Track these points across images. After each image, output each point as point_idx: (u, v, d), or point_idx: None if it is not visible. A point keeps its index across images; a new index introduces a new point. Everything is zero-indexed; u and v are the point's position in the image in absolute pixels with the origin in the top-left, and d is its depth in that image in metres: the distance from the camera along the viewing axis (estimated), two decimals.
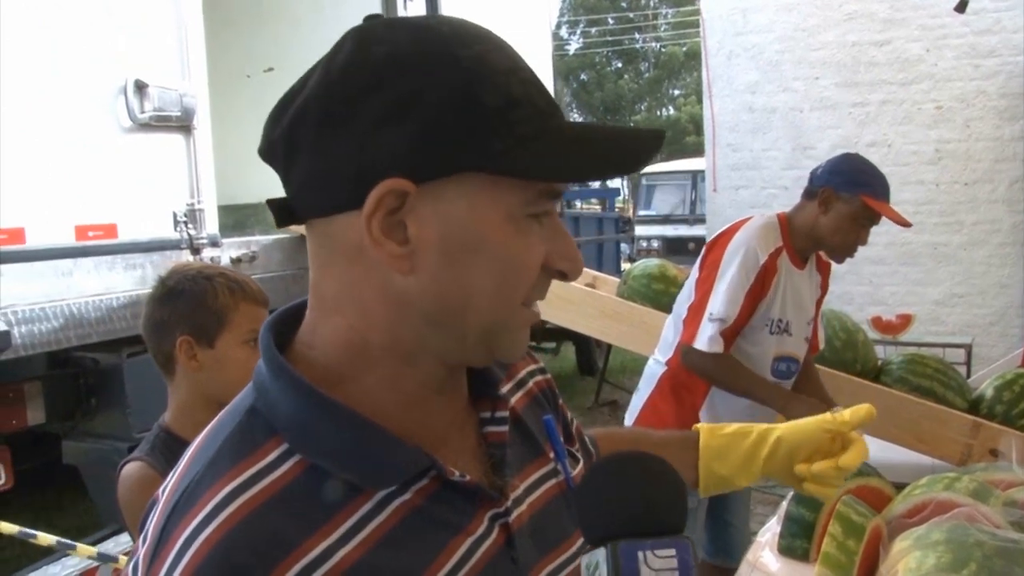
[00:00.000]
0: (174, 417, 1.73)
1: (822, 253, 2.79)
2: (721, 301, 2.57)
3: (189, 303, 1.66)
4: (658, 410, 2.82)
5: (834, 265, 2.84)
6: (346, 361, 0.73)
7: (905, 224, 2.66)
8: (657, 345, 2.96)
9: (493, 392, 0.83)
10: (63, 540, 3.11)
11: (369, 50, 0.69)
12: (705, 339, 2.56)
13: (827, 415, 1.17)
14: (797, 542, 1.97)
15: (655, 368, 2.88)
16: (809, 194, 2.68)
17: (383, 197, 0.67)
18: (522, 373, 0.94)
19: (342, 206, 0.69)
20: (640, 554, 0.65)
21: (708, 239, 2.80)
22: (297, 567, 0.64)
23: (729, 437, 1.15)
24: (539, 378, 0.97)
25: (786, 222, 2.71)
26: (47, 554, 3.33)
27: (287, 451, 0.69)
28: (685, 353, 2.64)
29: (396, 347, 0.73)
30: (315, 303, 0.75)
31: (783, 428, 1.15)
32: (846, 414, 1.16)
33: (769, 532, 2.12)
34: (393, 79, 0.68)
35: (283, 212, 0.74)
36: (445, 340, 0.73)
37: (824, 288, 2.93)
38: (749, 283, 2.58)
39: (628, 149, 0.73)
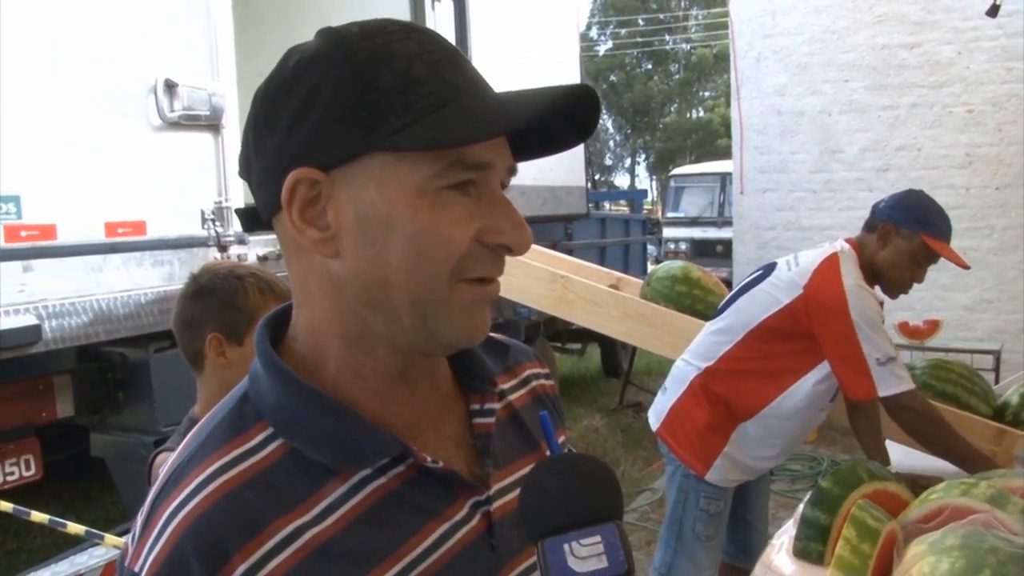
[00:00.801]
0: (203, 410, 1.76)
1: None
2: (878, 343, 2.53)
3: (219, 301, 1.70)
4: (689, 412, 2.81)
5: None
6: (314, 350, 0.78)
7: (964, 266, 2.67)
8: (689, 348, 2.95)
9: (483, 385, 0.87)
10: (92, 530, 3.17)
11: (287, 61, 0.75)
12: (893, 383, 2.53)
13: None
14: (812, 545, 1.97)
15: (686, 370, 2.87)
16: (870, 227, 2.69)
17: (294, 186, 0.73)
18: (527, 373, 0.97)
19: (276, 204, 0.74)
20: (565, 546, 0.70)
21: (803, 273, 2.68)
22: (270, 543, 0.69)
23: None
24: (544, 382, 0.99)
25: (859, 252, 2.71)
26: (75, 544, 3.39)
27: (271, 435, 0.74)
28: (891, 404, 2.58)
29: (345, 334, 0.76)
30: (294, 297, 0.81)
31: None
32: None
33: (785, 535, 2.12)
34: (299, 81, 0.73)
35: (250, 218, 0.80)
36: (384, 322, 0.75)
37: None
38: (882, 318, 2.59)
39: (522, 107, 0.72)
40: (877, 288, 2.74)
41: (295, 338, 0.80)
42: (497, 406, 0.87)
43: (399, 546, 0.74)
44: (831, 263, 2.65)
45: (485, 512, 0.80)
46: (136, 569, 0.70)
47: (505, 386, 0.92)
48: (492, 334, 0.93)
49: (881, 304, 2.67)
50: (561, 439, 0.98)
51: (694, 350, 2.92)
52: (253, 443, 0.74)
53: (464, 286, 0.74)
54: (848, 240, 2.76)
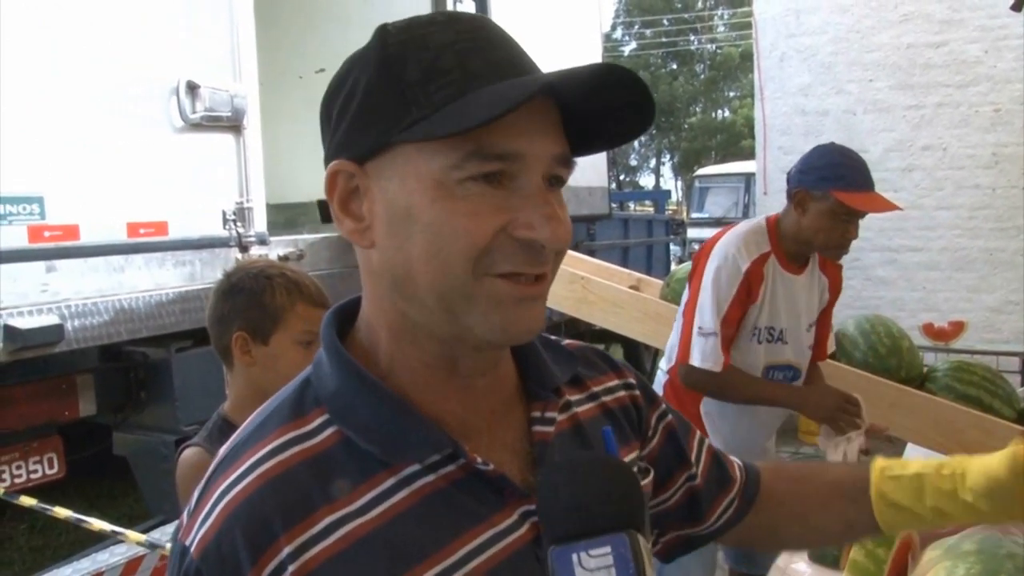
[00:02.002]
0: (232, 406, 1.79)
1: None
2: (708, 314, 2.48)
3: (247, 300, 1.72)
4: None
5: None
6: (371, 341, 0.80)
7: (889, 208, 2.48)
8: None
9: (547, 393, 0.85)
10: (115, 528, 3.21)
11: (345, 61, 0.78)
12: (698, 355, 2.50)
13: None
14: (828, 549, 1.96)
15: (660, 376, 2.85)
16: (788, 196, 2.59)
17: (333, 178, 0.76)
18: (599, 387, 0.94)
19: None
20: (574, 556, 0.67)
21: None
22: (316, 527, 0.70)
23: (907, 479, 0.98)
24: (622, 393, 0.96)
25: (775, 226, 2.60)
26: (97, 541, 3.43)
27: (327, 421, 0.76)
28: (685, 374, 2.57)
29: (390, 325, 0.78)
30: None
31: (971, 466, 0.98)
32: None
33: None
34: (346, 79, 0.76)
35: (326, 211, 0.81)
36: (419, 313, 0.75)
37: (834, 290, 2.79)
38: (732, 292, 2.49)
39: (517, 90, 0.69)
40: (813, 270, 2.67)
41: (359, 328, 0.82)
42: (558, 415, 0.85)
43: (442, 546, 0.73)
44: (718, 234, 2.63)
45: (534, 523, 0.78)
46: (187, 543, 0.72)
47: (572, 398, 0.90)
48: (570, 342, 0.93)
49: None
50: (633, 454, 0.93)
51: (665, 354, 2.88)
52: (309, 427, 0.75)
53: (495, 281, 0.72)
54: (768, 217, 2.67)
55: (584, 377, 0.93)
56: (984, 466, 0.96)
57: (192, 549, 0.70)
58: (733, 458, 1.10)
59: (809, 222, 2.51)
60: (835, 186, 2.44)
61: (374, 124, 0.73)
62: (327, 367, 0.78)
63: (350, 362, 0.77)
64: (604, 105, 0.75)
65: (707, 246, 2.63)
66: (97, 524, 3.15)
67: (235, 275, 1.78)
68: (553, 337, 0.93)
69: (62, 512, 3.14)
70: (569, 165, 0.76)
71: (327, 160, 0.77)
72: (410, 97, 0.71)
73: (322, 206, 0.80)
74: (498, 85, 0.71)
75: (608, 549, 0.67)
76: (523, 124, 0.71)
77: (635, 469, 0.92)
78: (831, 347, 2.91)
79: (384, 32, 0.75)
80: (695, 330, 2.52)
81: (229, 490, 0.71)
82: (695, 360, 2.51)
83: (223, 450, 0.78)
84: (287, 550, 0.69)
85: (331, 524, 0.70)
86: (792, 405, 2.55)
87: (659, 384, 2.85)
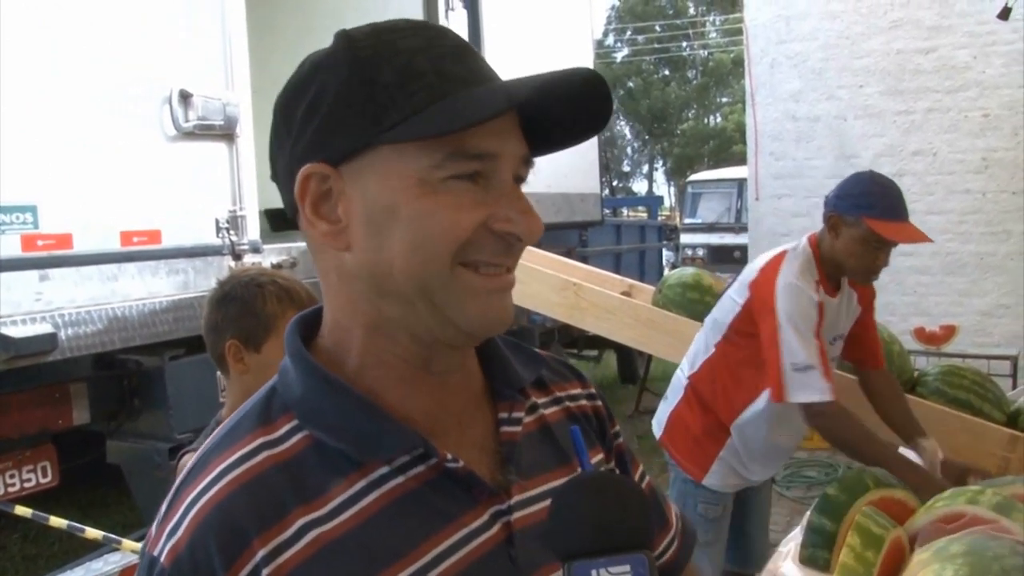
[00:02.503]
0: (229, 413, 1.80)
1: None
2: (797, 348, 2.45)
3: (239, 308, 1.73)
4: (685, 420, 2.84)
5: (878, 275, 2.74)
6: (338, 342, 0.80)
7: (920, 240, 2.53)
8: (685, 355, 2.97)
9: (513, 394, 0.87)
10: (109, 535, 3.21)
11: (302, 66, 0.79)
12: (801, 392, 2.45)
13: None
14: (819, 552, 1.97)
15: (680, 377, 2.90)
16: (824, 219, 2.63)
17: (305, 181, 0.76)
18: (563, 393, 0.96)
19: (294, 202, 0.77)
20: (593, 572, 0.68)
21: (752, 271, 2.69)
22: (287, 533, 0.70)
23: None
24: (585, 403, 0.98)
25: (816, 250, 2.64)
26: (91, 550, 3.43)
27: (296, 426, 0.76)
28: (810, 417, 2.51)
29: (365, 323, 0.78)
30: (322, 294, 0.83)
31: None
32: None
33: (792, 542, 2.12)
34: (309, 82, 0.76)
35: (277, 220, 0.81)
36: (399, 310, 0.76)
37: (864, 304, 2.84)
38: (814, 321, 2.49)
39: (509, 91, 0.74)
40: (845, 289, 2.70)
41: (323, 335, 0.82)
42: (524, 415, 0.86)
43: (414, 547, 0.74)
44: (775, 261, 2.62)
45: (506, 522, 0.80)
46: (155, 554, 0.72)
47: (538, 400, 0.92)
48: (539, 351, 0.95)
49: (821, 305, 2.55)
50: (598, 457, 0.95)
51: (686, 358, 2.94)
52: (278, 434, 0.76)
53: (471, 273, 0.75)
54: (809, 237, 2.70)
55: (548, 382, 0.95)
56: None
57: (163, 558, 0.70)
58: (671, 503, 1.10)
59: (842, 246, 2.57)
60: (867, 213, 2.49)
61: (350, 126, 0.74)
62: (293, 374, 0.79)
63: (316, 367, 0.78)
64: (564, 108, 0.78)
65: (766, 281, 2.58)
66: (92, 533, 3.15)
67: (227, 284, 1.80)
68: (514, 340, 0.94)
69: (58, 522, 3.15)
70: (530, 165, 0.80)
71: (291, 164, 0.77)
72: (386, 99, 0.73)
73: (271, 215, 0.82)
74: (477, 90, 0.74)
75: (628, 568, 0.68)
76: (497, 126, 0.74)
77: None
78: (883, 357, 2.94)
79: (349, 37, 0.76)
80: (785, 367, 2.46)
81: (200, 497, 0.72)
82: (799, 397, 2.46)
83: (191, 461, 0.78)
84: (261, 553, 0.69)
85: (303, 527, 0.71)
86: (909, 482, 2.31)
87: (679, 385, 2.88)
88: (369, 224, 0.75)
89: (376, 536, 0.73)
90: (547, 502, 0.82)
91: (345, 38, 0.76)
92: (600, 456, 0.96)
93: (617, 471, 0.99)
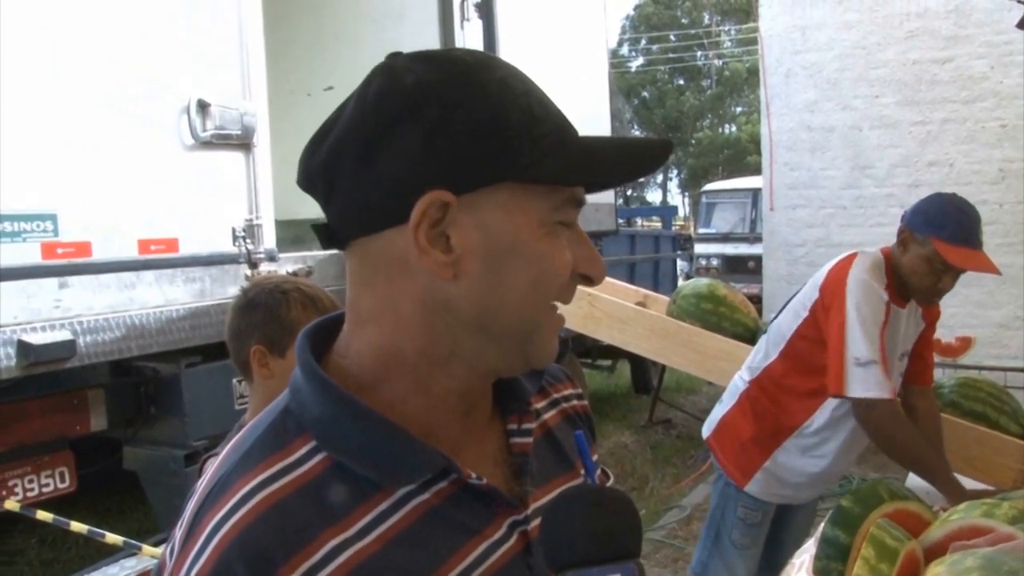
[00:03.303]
0: (251, 418, 1.82)
1: None
2: (862, 343, 2.45)
3: (263, 315, 1.75)
4: (736, 426, 2.85)
5: None
6: (378, 367, 0.79)
7: (987, 270, 2.48)
8: (747, 360, 2.96)
9: (521, 406, 0.88)
10: (130, 540, 3.23)
11: (400, 79, 0.76)
12: (860, 386, 2.45)
13: None
14: (832, 564, 1.96)
15: (738, 383, 2.91)
16: (898, 233, 2.62)
17: (427, 208, 0.74)
18: (559, 394, 0.98)
19: (384, 224, 0.76)
20: None
21: (821, 274, 2.69)
22: (315, 557, 0.69)
23: None
24: (576, 403, 1.00)
25: (889, 259, 2.64)
26: (108, 555, 3.45)
27: (314, 448, 0.75)
28: (858, 415, 2.53)
29: (431, 352, 0.78)
30: (352, 317, 0.81)
31: None
32: None
33: (806, 553, 2.11)
34: (427, 103, 0.74)
35: (326, 236, 0.81)
36: (482, 343, 0.77)
37: (929, 320, 2.83)
38: (881, 319, 2.49)
39: (637, 156, 0.81)
40: (912, 303, 2.69)
41: (344, 356, 0.81)
42: (533, 426, 0.88)
43: (440, 565, 0.74)
44: (847, 260, 2.63)
45: (523, 532, 0.81)
46: None
47: (539, 406, 0.93)
48: None
49: (888, 307, 2.55)
50: (594, 458, 0.97)
51: (747, 364, 2.94)
52: (296, 456, 0.74)
53: (554, 311, 0.80)
54: (882, 248, 2.71)
55: (546, 384, 0.97)
56: None
57: None
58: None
59: (908, 263, 2.57)
60: (937, 235, 2.48)
61: (480, 160, 0.74)
62: (307, 392, 0.78)
63: (333, 387, 0.77)
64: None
65: (837, 276, 2.60)
66: (113, 538, 3.17)
67: (251, 291, 1.82)
68: None
69: (79, 527, 3.17)
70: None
71: (397, 187, 0.74)
72: (516, 140, 0.75)
73: (321, 231, 0.81)
74: (595, 140, 0.81)
75: None
76: None
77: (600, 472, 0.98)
78: (933, 377, 2.96)
79: (470, 67, 0.77)
80: (849, 361, 2.46)
81: (222, 524, 0.70)
82: (857, 392, 2.46)
83: (206, 486, 0.76)
84: None
85: (333, 549, 0.70)
86: (946, 490, 2.44)
87: (736, 390, 2.90)
88: (488, 258, 0.75)
89: (406, 554, 0.73)
90: None
91: (462, 65, 0.77)
92: (595, 457, 0.98)
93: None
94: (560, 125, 0.79)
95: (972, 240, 2.50)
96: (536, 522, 0.82)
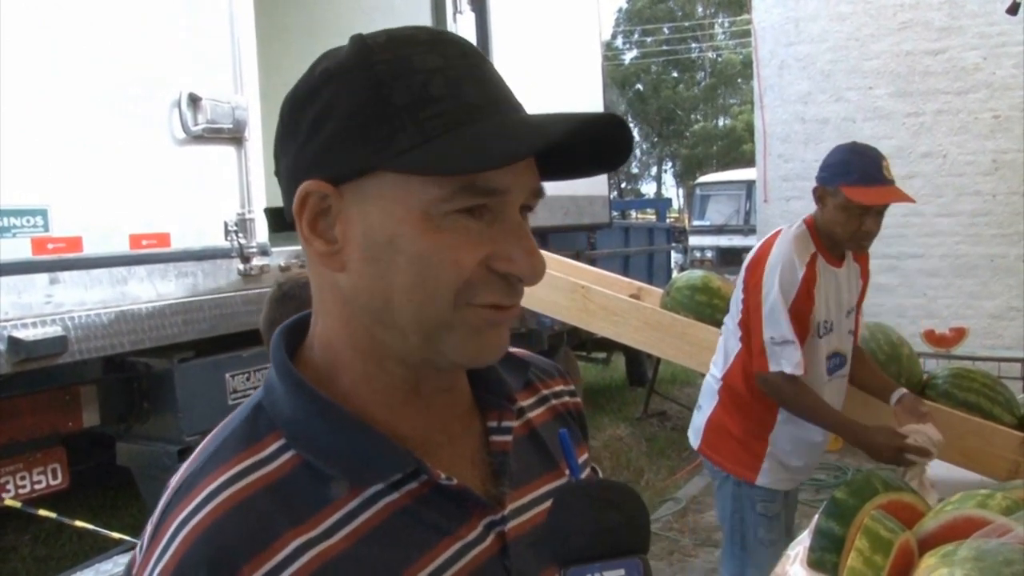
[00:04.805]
0: None
1: None
2: (778, 323, 2.59)
3: (296, 307, 1.78)
4: (724, 425, 2.85)
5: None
6: (328, 361, 0.78)
7: (900, 200, 2.59)
8: (712, 360, 2.97)
9: (501, 402, 0.85)
10: (129, 539, 3.23)
11: (315, 67, 0.75)
12: (774, 362, 2.60)
13: None
14: (827, 556, 1.96)
15: (712, 384, 2.91)
16: (813, 192, 2.72)
17: (304, 198, 0.72)
18: (548, 391, 0.95)
19: (291, 212, 0.75)
20: None
21: (747, 259, 2.82)
22: (279, 556, 0.68)
23: None
24: (568, 399, 0.98)
25: (813, 225, 2.73)
26: (101, 551, 3.44)
27: (284, 445, 0.73)
28: (762, 381, 2.67)
29: (356, 346, 0.76)
30: (313, 307, 0.80)
31: None
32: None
33: (800, 545, 2.11)
34: (321, 90, 0.72)
35: (278, 218, 0.78)
36: (392, 338, 0.74)
37: (865, 276, 2.94)
38: (789, 301, 2.60)
39: (532, 135, 0.70)
40: (849, 261, 2.79)
41: (311, 347, 0.79)
42: (514, 423, 0.85)
43: (409, 564, 0.73)
44: (767, 243, 2.74)
45: (499, 532, 0.79)
46: None
47: (524, 403, 0.90)
48: (513, 350, 0.91)
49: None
50: (583, 457, 0.96)
51: (714, 363, 2.96)
52: (265, 453, 0.73)
53: (474, 310, 0.73)
54: (806, 217, 2.78)
55: (534, 380, 0.94)
56: None
57: None
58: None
59: (828, 216, 2.65)
60: (843, 181, 2.57)
61: (358, 146, 0.70)
62: (280, 390, 0.76)
63: (304, 385, 0.75)
64: (588, 146, 0.76)
65: (759, 257, 2.72)
66: (116, 535, 3.17)
67: (286, 284, 1.90)
68: None
69: (81, 524, 3.17)
70: (541, 195, 0.77)
71: (294, 172, 0.74)
72: (398, 122, 0.69)
73: (272, 214, 0.79)
74: (504, 122, 0.72)
75: (622, 572, 0.69)
76: None
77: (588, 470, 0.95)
78: (862, 327, 3.07)
79: (365, 46, 0.72)
80: (766, 340, 2.62)
81: (186, 522, 0.69)
82: (772, 367, 2.61)
83: (175, 481, 0.75)
84: None
85: (296, 549, 0.69)
86: (852, 439, 2.67)
87: (711, 391, 2.91)
88: (367, 251, 0.72)
89: (373, 554, 0.72)
90: (537, 509, 0.83)
91: (361, 47, 0.72)
92: (586, 456, 0.97)
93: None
94: (469, 105, 0.70)
95: (879, 177, 2.57)
96: (514, 523, 0.80)
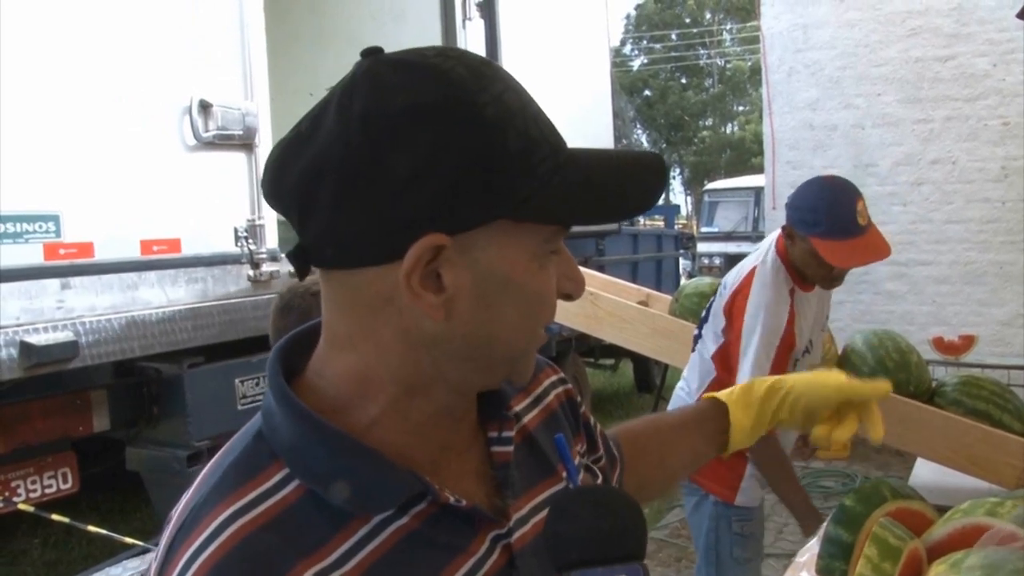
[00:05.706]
0: None
1: None
2: (758, 369, 2.46)
3: (297, 318, 1.79)
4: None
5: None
6: (354, 391, 0.75)
7: (874, 260, 2.47)
8: (684, 375, 2.92)
9: (501, 412, 0.85)
10: (147, 546, 3.25)
11: (387, 100, 0.68)
12: None
13: (845, 379, 1.21)
14: (835, 563, 1.95)
15: (684, 399, 2.83)
16: (782, 228, 2.60)
17: (421, 253, 0.68)
18: (540, 388, 0.95)
19: (370, 261, 0.70)
20: None
21: (724, 296, 2.69)
22: None
23: (743, 389, 1.21)
24: (559, 390, 0.98)
25: (786, 256, 2.58)
26: (111, 555, 3.46)
27: (288, 476, 0.71)
28: None
29: (412, 381, 0.74)
30: (328, 338, 0.77)
31: (797, 380, 1.21)
32: (863, 383, 1.21)
33: (808, 552, 2.11)
34: (417, 133, 0.67)
35: (301, 260, 0.74)
36: (469, 372, 0.75)
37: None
38: (774, 348, 2.51)
39: (639, 186, 0.77)
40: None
41: (321, 375, 0.76)
42: (513, 433, 0.85)
43: None
44: (745, 285, 2.60)
45: (505, 545, 0.78)
46: None
47: (518, 408, 0.90)
48: None
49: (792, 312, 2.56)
50: (579, 447, 0.96)
51: (688, 386, 2.85)
52: (269, 484, 0.71)
53: (542, 333, 0.78)
54: (777, 241, 2.63)
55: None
56: (812, 384, 1.20)
57: None
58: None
59: (798, 256, 2.54)
60: (811, 232, 2.44)
61: (480, 196, 0.68)
62: (279, 417, 0.73)
63: (305, 412, 0.72)
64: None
65: (740, 291, 2.60)
66: (129, 540, 3.19)
67: (287, 295, 1.89)
68: None
69: (94, 528, 3.18)
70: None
71: (386, 222, 0.68)
72: (514, 171, 0.69)
73: (296, 261, 0.74)
74: (587, 164, 0.75)
75: None
76: None
77: (584, 470, 0.95)
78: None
79: (463, 88, 0.69)
80: (742, 379, 2.48)
81: (194, 559, 0.67)
82: None
83: (178, 514, 0.73)
84: None
85: None
86: (798, 514, 2.66)
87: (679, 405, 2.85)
88: (481, 298, 0.71)
89: None
90: (538, 517, 0.83)
91: (457, 89, 0.69)
92: (580, 446, 0.97)
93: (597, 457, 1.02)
94: (555, 144, 0.73)
95: (851, 228, 2.42)
96: (518, 533, 0.80)
